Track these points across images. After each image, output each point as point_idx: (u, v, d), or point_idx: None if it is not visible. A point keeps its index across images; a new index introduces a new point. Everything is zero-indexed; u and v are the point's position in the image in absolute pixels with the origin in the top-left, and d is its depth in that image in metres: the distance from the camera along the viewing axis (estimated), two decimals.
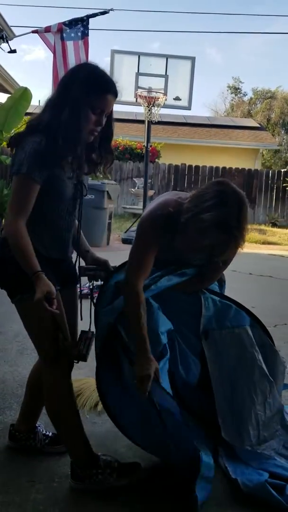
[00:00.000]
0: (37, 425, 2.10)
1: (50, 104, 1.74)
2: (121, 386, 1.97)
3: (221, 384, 2.04)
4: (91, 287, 2.04)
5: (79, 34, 7.18)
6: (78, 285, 2.02)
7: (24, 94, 6.95)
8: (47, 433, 2.10)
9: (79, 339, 1.89)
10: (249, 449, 2.00)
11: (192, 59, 8.99)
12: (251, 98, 32.07)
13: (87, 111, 1.70)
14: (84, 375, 2.88)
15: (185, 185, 14.56)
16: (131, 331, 1.89)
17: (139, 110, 9.98)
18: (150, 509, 1.79)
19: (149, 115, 8.65)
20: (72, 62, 6.83)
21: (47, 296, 1.60)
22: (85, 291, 2.06)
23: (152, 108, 8.59)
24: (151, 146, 9.92)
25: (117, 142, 14.18)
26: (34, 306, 1.62)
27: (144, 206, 8.25)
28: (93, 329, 1.98)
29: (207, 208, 1.73)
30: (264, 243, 11.03)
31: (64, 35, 7.09)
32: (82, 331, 1.92)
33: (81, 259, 2.02)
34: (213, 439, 2.06)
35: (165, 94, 8.57)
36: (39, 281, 1.61)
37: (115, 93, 1.76)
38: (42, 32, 7.22)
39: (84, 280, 2.03)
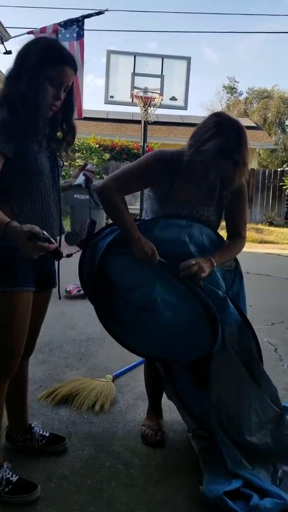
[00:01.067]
0: (33, 425, 2.09)
1: (7, 76, 1.68)
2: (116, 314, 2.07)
3: (216, 380, 2.01)
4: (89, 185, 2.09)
5: (75, 35, 7.18)
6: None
7: None
8: (44, 433, 2.10)
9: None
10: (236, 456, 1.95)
11: (188, 59, 8.99)
12: (247, 98, 32.10)
13: (45, 83, 1.64)
14: (81, 375, 2.89)
15: None
16: (118, 227, 1.99)
17: (136, 110, 9.98)
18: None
19: (146, 115, 8.64)
20: None
21: (34, 236, 1.48)
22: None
23: (148, 108, 8.59)
24: (147, 146, 9.91)
25: (113, 143, 14.17)
26: (7, 303, 1.66)
27: (141, 205, 8.25)
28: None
29: (206, 139, 1.82)
30: (261, 242, 11.04)
31: (60, 35, 7.08)
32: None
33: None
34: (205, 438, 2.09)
35: (161, 94, 8.57)
36: (13, 229, 1.49)
37: (73, 67, 1.70)
38: (38, 33, 7.19)
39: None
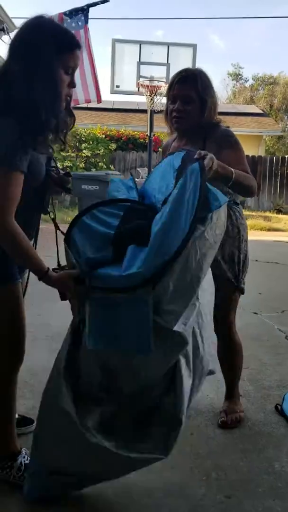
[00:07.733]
0: None
1: (17, 72, 1.44)
2: None
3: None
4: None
5: (80, 23, 7.14)
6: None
7: None
8: None
9: None
10: None
11: (194, 47, 8.93)
12: (252, 85, 31.78)
13: (61, 73, 1.49)
14: None
15: None
16: None
17: (141, 100, 9.93)
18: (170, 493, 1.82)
19: (152, 104, 8.60)
20: None
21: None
22: None
23: (155, 97, 8.55)
24: (154, 135, 9.88)
25: (120, 133, 14.14)
26: (12, 296, 1.72)
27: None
28: None
29: None
30: (269, 229, 11.01)
31: (65, 25, 7.05)
32: None
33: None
34: None
35: (167, 82, 8.51)
36: (55, 279, 1.54)
37: (80, 47, 1.55)
38: None
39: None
